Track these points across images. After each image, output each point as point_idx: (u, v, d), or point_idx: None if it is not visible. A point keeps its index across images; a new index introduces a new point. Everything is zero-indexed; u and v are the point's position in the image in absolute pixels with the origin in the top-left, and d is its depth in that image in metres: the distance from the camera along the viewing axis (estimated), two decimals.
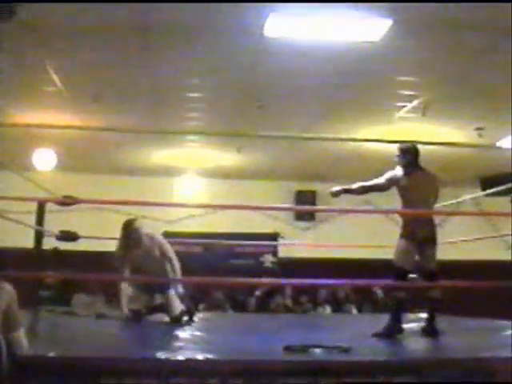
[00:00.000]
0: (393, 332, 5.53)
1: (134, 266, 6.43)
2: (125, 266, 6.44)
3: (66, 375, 3.64)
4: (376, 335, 5.49)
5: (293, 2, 6.01)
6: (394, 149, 9.02)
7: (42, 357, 3.76)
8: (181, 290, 6.52)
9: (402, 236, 5.78)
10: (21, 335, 3.66)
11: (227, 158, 12.42)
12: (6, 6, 5.79)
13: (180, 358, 3.94)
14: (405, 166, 5.94)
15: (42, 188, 7.06)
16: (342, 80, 8.07)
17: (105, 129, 10.26)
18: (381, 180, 5.94)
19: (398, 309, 5.68)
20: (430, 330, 5.71)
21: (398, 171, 5.94)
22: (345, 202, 10.86)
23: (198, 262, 12.93)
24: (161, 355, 3.93)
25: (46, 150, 11.09)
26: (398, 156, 6.02)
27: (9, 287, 3.61)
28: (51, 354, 3.85)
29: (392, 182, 5.89)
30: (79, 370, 3.66)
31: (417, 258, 5.79)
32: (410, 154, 5.99)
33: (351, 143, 10.68)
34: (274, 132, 9.62)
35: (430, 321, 5.78)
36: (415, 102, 8.80)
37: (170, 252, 6.61)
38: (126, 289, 6.46)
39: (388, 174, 5.94)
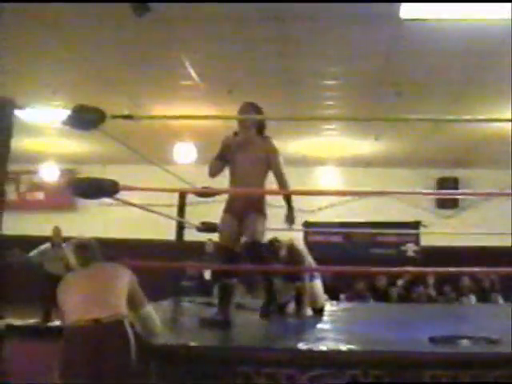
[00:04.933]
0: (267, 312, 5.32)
1: None
2: None
3: (202, 363, 3.66)
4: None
5: None
6: None
7: (174, 346, 3.81)
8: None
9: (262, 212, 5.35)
10: (150, 310, 3.77)
11: (365, 146, 12.24)
12: (141, 3, 5.95)
13: (322, 348, 3.87)
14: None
15: (183, 180, 7.17)
16: (480, 60, 7.75)
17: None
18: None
19: (270, 291, 5.39)
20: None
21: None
22: (489, 187, 10.56)
23: (339, 252, 12.90)
24: (301, 346, 3.87)
25: (186, 143, 11.31)
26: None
27: (128, 271, 3.76)
28: (183, 342, 3.89)
29: None
30: (212, 359, 3.67)
31: None
32: None
33: (493, 126, 10.22)
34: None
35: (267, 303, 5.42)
36: None
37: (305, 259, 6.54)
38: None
39: None
